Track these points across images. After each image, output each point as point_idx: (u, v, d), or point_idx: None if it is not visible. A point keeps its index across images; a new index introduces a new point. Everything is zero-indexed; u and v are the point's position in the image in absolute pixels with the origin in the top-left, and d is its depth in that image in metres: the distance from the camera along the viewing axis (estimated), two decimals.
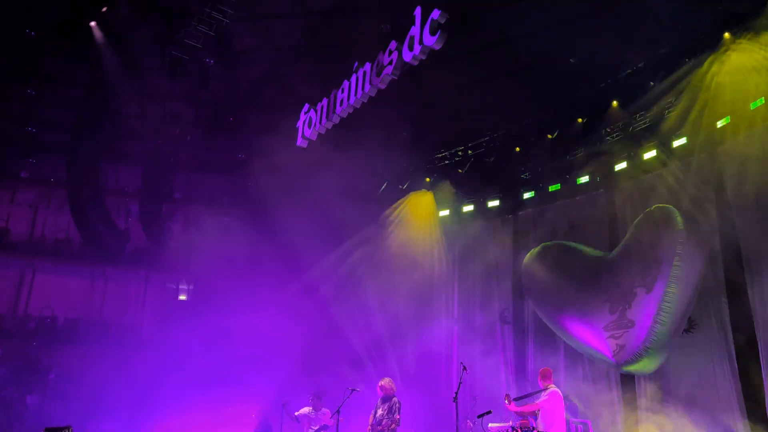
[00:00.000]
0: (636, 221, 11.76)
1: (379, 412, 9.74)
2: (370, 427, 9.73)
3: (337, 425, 9.94)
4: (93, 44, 14.29)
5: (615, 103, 12.24)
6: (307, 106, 12.16)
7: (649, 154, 12.20)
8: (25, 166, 20.12)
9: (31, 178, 20.76)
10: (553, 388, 8.82)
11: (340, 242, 16.06)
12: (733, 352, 10.50)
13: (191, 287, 18.47)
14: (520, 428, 8.07)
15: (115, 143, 15.88)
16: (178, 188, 17.16)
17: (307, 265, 13.80)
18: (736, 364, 10.43)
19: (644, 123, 12.13)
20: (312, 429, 10.60)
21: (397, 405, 9.68)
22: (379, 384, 9.98)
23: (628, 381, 12.03)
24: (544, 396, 8.76)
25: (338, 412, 9.96)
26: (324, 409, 10.81)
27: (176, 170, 16.46)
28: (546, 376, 9.07)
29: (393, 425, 9.47)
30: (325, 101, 11.68)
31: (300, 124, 12.23)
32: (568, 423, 9.88)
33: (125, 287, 21.25)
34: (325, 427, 10.59)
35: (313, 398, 10.87)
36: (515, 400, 9.33)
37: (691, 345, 11.13)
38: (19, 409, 17.47)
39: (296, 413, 10.67)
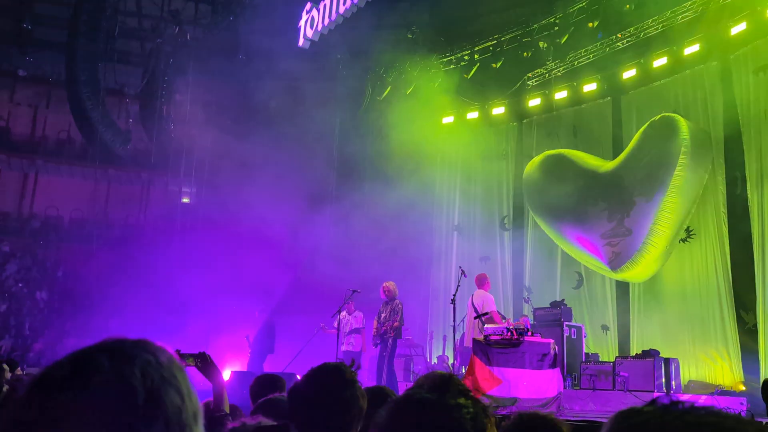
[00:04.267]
0: (641, 130, 11.63)
1: (383, 315, 10.05)
2: (375, 329, 10.04)
3: (338, 326, 10.20)
4: None
5: (627, 6, 11.81)
6: (309, 4, 11.80)
7: (659, 62, 11.88)
8: (22, 64, 19.76)
9: (29, 76, 20.44)
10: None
11: (342, 147, 15.96)
12: (729, 263, 10.65)
13: (194, 190, 18.53)
14: (515, 329, 8.34)
15: (113, 42, 15.48)
16: (179, 89, 16.88)
17: (310, 168, 13.77)
18: (730, 273, 10.60)
19: (656, 28, 11.75)
20: (345, 333, 10.48)
21: (399, 306, 9.98)
22: (382, 286, 10.20)
23: (622, 287, 12.28)
24: None
25: (339, 312, 10.21)
26: (357, 312, 10.76)
27: (176, 71, 16.13)
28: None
29: (396, 324, 9.80)
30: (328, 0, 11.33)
31: (302, 24, 11.91)
32: (561, 326, 10.16)
33: (128, 189, 21.40)
34: (356, 330, 10.64)
35: (347, 297, 10.41)
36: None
37: (687, 254, 11.28)
38: (30, 304, 18.01)
39: (335, 324, 10.27)
